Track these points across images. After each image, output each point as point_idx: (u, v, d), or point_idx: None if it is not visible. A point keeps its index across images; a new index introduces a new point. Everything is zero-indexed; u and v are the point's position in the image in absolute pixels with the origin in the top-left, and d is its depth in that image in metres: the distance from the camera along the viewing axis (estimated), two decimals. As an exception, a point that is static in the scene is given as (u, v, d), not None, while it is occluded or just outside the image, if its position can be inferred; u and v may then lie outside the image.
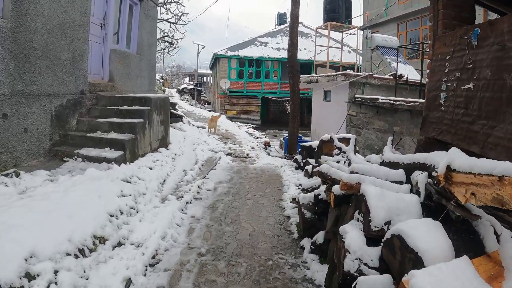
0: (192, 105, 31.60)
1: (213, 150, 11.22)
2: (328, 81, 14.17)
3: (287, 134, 20.96)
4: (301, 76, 16.65)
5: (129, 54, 10.66)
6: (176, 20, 20.31)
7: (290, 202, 6.01)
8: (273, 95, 31.17)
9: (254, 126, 29.99)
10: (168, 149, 8.97)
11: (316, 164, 7.82)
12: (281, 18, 39.57)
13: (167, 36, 21.36)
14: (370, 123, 12.56)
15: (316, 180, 5.41)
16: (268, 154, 12.57)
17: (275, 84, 31.76)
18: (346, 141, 7.43)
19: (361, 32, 23.80)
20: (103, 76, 9.38)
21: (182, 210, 5.82)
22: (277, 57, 31.18)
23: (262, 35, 33.53)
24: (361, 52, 31.66)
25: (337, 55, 33.98)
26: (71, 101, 7.40)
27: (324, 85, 15.09)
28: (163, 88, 38.38)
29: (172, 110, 14.09)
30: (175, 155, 8.85)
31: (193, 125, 14.98)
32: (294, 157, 9.75)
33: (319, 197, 4.43)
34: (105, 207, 4.73)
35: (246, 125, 22.23)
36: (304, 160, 9.11)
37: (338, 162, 6.48)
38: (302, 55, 31.89)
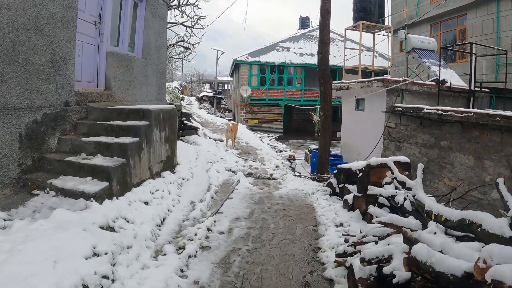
0: (211, 114, 30.11)
1: (230, 170, 9.57)
2: (362, 88, 12.38)
3: (313, 146, 19.22)
4: (337, 82, 14.90)
5: (132, 58, 9.14)
6: (193, 23, 18.84)
7: (334, 261, 4.25)
8: (297, 102, 29.44)
9: (277, 135, 28.32)
10: (174, 173, 7.36)
11: (360, 195, 6.07)
12: (303, 22, 37.89)
13: (183, 40, 19.91)
14: (413, 137, 10.74)
15: (380, 243, 3.67)
16: (293, 169, 10.85)
17: (298, 91, 30.04)
18: (402, 167, 5.66)
19: (388, 33, 21.90)
20: (99, 83, 7.87)
21: (181, 270, 4.15)
22: (300, 63, 29.50)
23: (284, 40, 31.90)
24: (388, 56, 29.75)
25: (364, 60, 32.16)
26: (49, 115, 5.86)
27: (357, 93, 13.31)
28: (181, 96, 37.08)
29: (186, 122, 12.56)
30: (183, 179, 7.23)
31: (210, 138, 13.39)
32: (328, 180, 8.01)
33: (394, 280, 2.67)
34: (58, 284, 3.10)
35: (268, 136, 20.56)
36: (340, 185, 7.36)
37: (393, 197, 4.72)
38: (326, 60, 30.17)
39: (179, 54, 22.37)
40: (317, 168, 9.88)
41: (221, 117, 31.92)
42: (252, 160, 10.64)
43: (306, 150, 18.87)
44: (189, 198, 6.48)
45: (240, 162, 10.27)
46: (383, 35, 19.12)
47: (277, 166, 9.76)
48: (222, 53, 28.96)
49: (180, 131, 12.79)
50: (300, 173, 9.65)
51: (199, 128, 13.20)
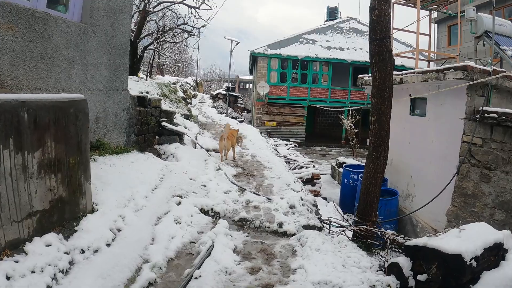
0: (223, 113, 26.21)
1: (210, 211, 5.64)
2: (424, 82, 8.25)
3: (343, 159, 15.17)
4: (368, 76, 10.86)
5: (50, 18, 5.40)
6: (198, 3, 15.00)
7: None
8: (322, 103, 25.24)
9: (298, 141, 24.21)
10: (69, 236, 3.49)
11: None
12: (331, 13, 33.58)
13: (186, 24, 16.08)
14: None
15: None
16: (317, 210, 6.81)
17: (324, 91, 25.83)
18: None
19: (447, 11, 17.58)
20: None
21: None
22: (327, 58, 25.28)
23: (309, 31, 27.72)
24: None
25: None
26: None
27: (413, 89, 9.20)
28: (193, 93, 33.40)
29: (165, 124, 8.70)
30: (83, 252, 3.35)
31: (201, 147, 9.48)
32: (393, 266, 3.86)
33: None
34: None
35: (286, 144, 16.38)
36: (421, 278, 3.31)
37: None
38: (357, 56, 25.92)
39: (182, 41, 18.55)
40: (360, 207, 5.86)
41: (235, 117, 28.02)
42: (254, 191, 6.57)
43: (334, 163, 14.78)
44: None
45: (232, 194, 6.27)
46: (444, 12, 14.74)
47: (292, 207, 5.68)
48: (237, 44, 25.02)
49: (157, 137, 8.93)
50: (329, 221, 5.62)
51: (184, 134, 9.29)
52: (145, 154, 7.42)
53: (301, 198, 6.07)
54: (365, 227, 5.29)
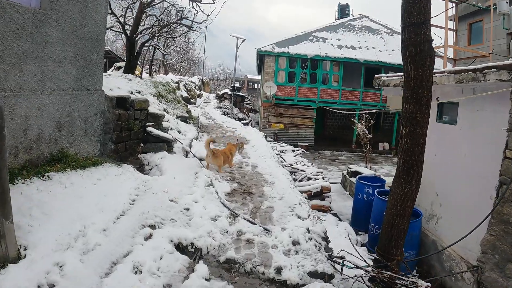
0: (228, 114, 24.94)
1: (190, 247, 4.39)
2: (458, 83, 6.90)
3: (354, 167, 13.82)
4: (386, 76, 9.65)
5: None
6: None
7: None
8: (332, 105, 23.82)
9: (306, 144, 22.91)
10: None
11: None
12: (342, 11, 32.12)
13: (186, 18, 14.90)
14: None
15: None
16: (327, 244, 5.50)
17: (334, 92, 24.46)
18: None
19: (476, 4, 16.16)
20: None
21: None
22: (338, 57, 23.89)
23: (319, 29, 26.33)
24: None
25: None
26: None
27: (441, 92, 7.88)
28: (198, 92, 32.23)
29: (150, 130, 7.48)
30: None
31: (193, 156, 8.25)
32: None
33: None
34: None
35: (294, 150, 14.99)
36: None
37: None
38: (369, 55, 24.48)
39: (180, 35, 17.34)
40: (382, 241, 4.59)
41: (242, 119, 26.75)
42: (248, 218, 5.21)
43: (345, 172, 13.45)
44: None
45: (221, 221, 4.98)
46: (473, 5, 13.31)
47: (295, 243, 4.36)
48: (243, 41, 23.67)
49: (141, 145, 7.72)
50: (342, 261, 4.35)
51: (173, 141, 8.07)
52: (120, 167, 6.20)
53: (308, 230, 4.78)
54: (390, 273, 4.00)
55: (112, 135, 6.85)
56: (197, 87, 33.77)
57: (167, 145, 7.79)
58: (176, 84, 21.49)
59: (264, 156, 9.93)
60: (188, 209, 5.30)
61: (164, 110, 11.36)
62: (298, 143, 23.02)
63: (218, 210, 5.40)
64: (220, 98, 33.30)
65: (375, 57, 24.21)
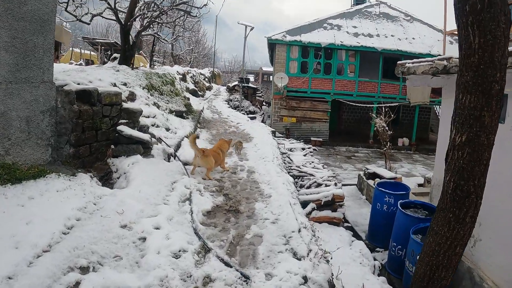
0: (237, 108, 23.53)
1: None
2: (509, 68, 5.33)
3: (372, 168, 12.26)
4: (411, 62, 8.14)
5: None
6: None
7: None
8: (348, 98, 22.23)
9: (320, 140, 21.39)
10: None
11: None
12: (359, -4, 30.23)
13: (185, 3, 13.52)
14: None
15: None
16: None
17: (350, 83, 22.79)
18: None
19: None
20: None
21: None
22: (354, 46, 22.20)
23: (334, 16, 24.60)
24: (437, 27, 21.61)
25: (436, 45, 24.42)
26: None
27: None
28: (207, 84, 30.88)
29: (122, 129, 6.13)
30: None
31: (178, 159, 6.91)
32: None
33: None
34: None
35: (304, 149, 13.30)
36: None
37: None
38: (388, 43, 22.71)
39: (179, 17, 15.96)
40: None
41: (253, 112, 25.34)
42: (223, 257, 3.69)
43: (362, 173, 11.95)
44: None
45: (185, 260, 3.45)
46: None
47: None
48: (251, 29, 22.16)
49: (112, 147, 6.39)
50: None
51: (149, 142, 6.70)
52: (71, 179, 4.87)
53: (305, 279, 3.36)
54: None
55: (70, 136, 5.52)
56: (206, 79, 32.40)
57: (142, 146, 6.44)
58: (181, 76, 20.18)
59: (266, 157, 8.50)
60: (144, 239, 3.94)
61: (154, 104, 10.03)
62: (312, 138, 21.53)
63: (185, 240, 4.01)
64: (231, 90, 31.90)
65: (394, 46, 22.49)
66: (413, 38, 23.82)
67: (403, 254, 6.64)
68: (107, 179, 5.85)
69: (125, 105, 6.70)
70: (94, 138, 6.07)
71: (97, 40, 26.64)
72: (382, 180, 8.87)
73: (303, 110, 22.69)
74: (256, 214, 4.98)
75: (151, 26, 14.62)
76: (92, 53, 28.67)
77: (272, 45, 23.27)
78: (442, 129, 7.55)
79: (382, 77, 22.61)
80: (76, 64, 18.14)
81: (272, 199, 5.51)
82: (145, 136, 6.47)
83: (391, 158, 18.72)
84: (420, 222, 6.37)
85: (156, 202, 4.83)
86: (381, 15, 25.69)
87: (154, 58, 31.07)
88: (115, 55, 14.67)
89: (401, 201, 7.05)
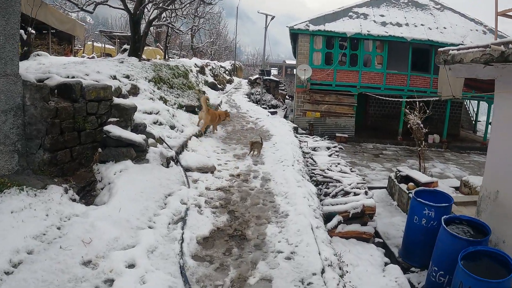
0: (258, 101, 22.45)
1: None
2: None
3: (405, 169, 10.93)
4: (457, 49, 6.89)
5: None
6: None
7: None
8: (375, 91, 20.80)
9: (346, 136, 20.11)
10: None
11: None
12: (386, -16, 28.52)
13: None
14: None
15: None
16: None
17: (378, 76, 21.33)
18: None
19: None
20: None
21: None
22: (382, 35, 20.70)
23: (359, 4, 23.07)
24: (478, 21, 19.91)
25: (469, 35, 22.74)
26: None
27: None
28: (227, 77, 29.85)
29: (109, 129, 5.13)
30: None
31: (179, 165, 5.89)
32: None
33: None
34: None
35: (329, 148, 11.80)
36: None
37: None
38: (417, 33, 21.10)
39: (197, 8, 14.96)
40: None
41: (275, 106, 24.22)
42: None
43: (392, 175, 10.68)
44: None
45: None
46: None
47: None
48: (272, 18, 20.91)
49: (99, 150, 5.40)
50: None
51: (143, 144, 5.67)
52: (36, 195, 3.93)
53: None
54: None
55: (43, 140, 4.56)
56: (227, 72, 31.38)
57: (135, 150, 5.42)
58: (198, 69, 19.21)
59: (285, 161, 7.39)
60: (111, 283, 2.91)
61: (161, 98, 9.06)
62: (337, 134, 20.24)
63: (166, 285, 2.96)
64: (253, 83, 30.79)
65: (424, 35, 20.92)
66: (444, 28, 22.20)
67: (445, 282, 5.47)
68: (89, 190, 4.86)
69: (116, 100, 5.69)
70: (76, 141, 5.09)
71: (114, 34, 26.00)
72: (420, 188, 7.59)
73: (328, 104, 21.39)
74: (266, 243, 3.88)
75: (164, 15, 13.63)
76: (111, 47, 28.14)
77: (295, 35, 22.01)
78: (497, 130, 6.26)
79: (411, 69, 21.13)
80: (88, 58, 17.44)
81: (289, 220, 4.39)
82: (138, 138, 5.44)
83: (430, 157, 17.40)
84: (470, 245, 5.16)
85: (139, 225, 3.81)
86: (409, 3, 24.11)
87: (173, 51, 30.28)
88: (125, 46, 13.80)
89: (445, 217, 5.84)
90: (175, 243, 3.63)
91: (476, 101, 25.61)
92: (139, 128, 6.00)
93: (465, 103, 24.47)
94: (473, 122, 28.60)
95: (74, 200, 4.37)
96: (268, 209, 4.86)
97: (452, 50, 7.03)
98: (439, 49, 7.67)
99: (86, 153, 5.26)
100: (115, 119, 5.57)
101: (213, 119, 9.75)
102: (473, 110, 30.29)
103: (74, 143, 5.07)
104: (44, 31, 16.17)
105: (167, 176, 5.34)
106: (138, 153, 5.49)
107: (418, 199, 6.51)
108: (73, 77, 6.41)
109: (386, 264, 6.10)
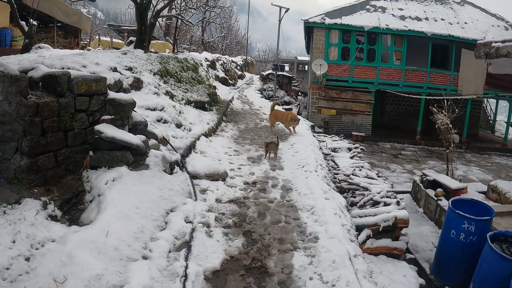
0: (271, 97, 21.57)
1: None
2: None
3: (428, 172, 9.85)
4: (501, 42, 6.00)
5: None
6: None
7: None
8: (393, 88, 19.77)
9: (362, 134, 19.15)
10: None
11: None
12: (406, -23, 27.39)
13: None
14: None
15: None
16: None
17: (396, 72, 20.26)
18: None
19: None
20: None
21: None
22: (401, 30, 19.63)
23: (378, -4, 22.16)
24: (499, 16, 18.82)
25: (491, 30, 21.61)
26: None
27: None
28: (239, 73, 28.99)
29: (100, 128, 4.25)
30: None
31: (185, 170, 5.06)
32: None
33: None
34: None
35: (350, 149, 10.82)
36: None
37: None
38: (438, 28, 19.98)
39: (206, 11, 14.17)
40: None
41: (289, 102, 23.29)
42: None
43: (418, 179, 9.78)
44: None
45: None
46: None
47: None
48: (287, 11, 20.02)
49: (90, 154, 4.56)
50: None
51: (141, 147, 4.84)
52: (6, 213, 3.11)
53: None
54: None
55: (20, 142, 3.76)
56: (238, 67, 30.54)
57: (132, 153, 4.58)
58: (209, 63, 18.40)
59: (306, 165, 6.51)
60: None
61: (167, 93, 8.24)
62: (353, 133, 19.26)
63: None
64: (265, 79, 29.91)
65: (445, 31, 19.84)
66: (465, 23, 21.11)
67: (489, 308, 4.61)
68: (76, 203, 4.05)
69: (111, 95, 4.85)
70: (62, 143, 4.28)
71: (123, 27, 25.31)
72: (456, 198, 6.63)
73: (344, 101, 20.38)
74: (294, 280, 3.03)
75: (173, 6, 12.81)
76: (119, 41, 27.52)
77: (309, 29, 21.04)
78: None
79: (431, 65, 20.10)
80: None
81: (320, 247, 3.53)
82: (135, 139, 4.60)
83: (441, 157, 16.31)
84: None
85: (130, 255, 2.98)
86: (429, -3, 23.07)
87: (183, 46, 29.49)
88: (131, 38, 13.03)
89: (490, 233, 4.94)
90: (176, 280, 2.79)
91: (495, 100, 24.52)
92: (138, 127, 5.17)
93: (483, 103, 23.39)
94: (491, 121, 27.49)
95: (54, 218, 3.55)
96: (293, 229, 4.00)
97: (496, 42, 6.16)
98: (479, 42, 6.80)
99: (74, 157, 4.45)
100: (109, 117, 4.73)
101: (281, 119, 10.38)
102: (491, 109, 29.15)
103: (60, 146, 4.25)
104: (50, 24, 15.54)
105: (170, 186, 4.50)
106: (135, 157, 4.66)
107: (456, 210, 5.59)
108: (68, 69, 5.61)
109: (421, 286, 5.23)
